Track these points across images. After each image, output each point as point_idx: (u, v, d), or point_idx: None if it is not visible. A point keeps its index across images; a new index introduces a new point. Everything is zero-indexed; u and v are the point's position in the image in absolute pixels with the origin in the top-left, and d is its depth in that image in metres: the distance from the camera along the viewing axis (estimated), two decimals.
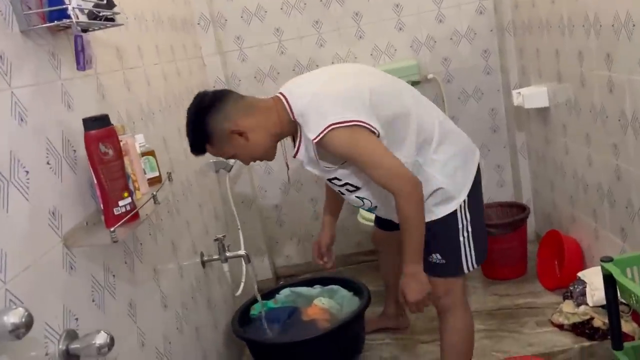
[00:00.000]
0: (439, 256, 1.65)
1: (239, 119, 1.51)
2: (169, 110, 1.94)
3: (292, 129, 1.56)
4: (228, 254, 2.03)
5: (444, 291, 1.69)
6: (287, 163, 1.76)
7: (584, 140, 2.10)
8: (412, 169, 1.55)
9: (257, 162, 1.64)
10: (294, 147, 1.59)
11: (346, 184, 1.62)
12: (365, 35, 2.76)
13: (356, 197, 1.66)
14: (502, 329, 2.19)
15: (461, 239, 1.65)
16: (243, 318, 2.19)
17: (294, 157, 1.61)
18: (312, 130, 1.46)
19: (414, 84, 2.43)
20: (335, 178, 1.61)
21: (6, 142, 0.94)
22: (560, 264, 2.40)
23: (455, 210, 1.63)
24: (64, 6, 1.05)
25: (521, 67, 2.64)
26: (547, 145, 2.49)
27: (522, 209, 2.62)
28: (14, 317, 0.77)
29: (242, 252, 2.05)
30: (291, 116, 1.53)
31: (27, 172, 0.98)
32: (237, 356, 2.29)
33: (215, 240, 2.01)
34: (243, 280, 2.24)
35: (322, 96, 1.50)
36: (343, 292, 2.28)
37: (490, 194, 2.92)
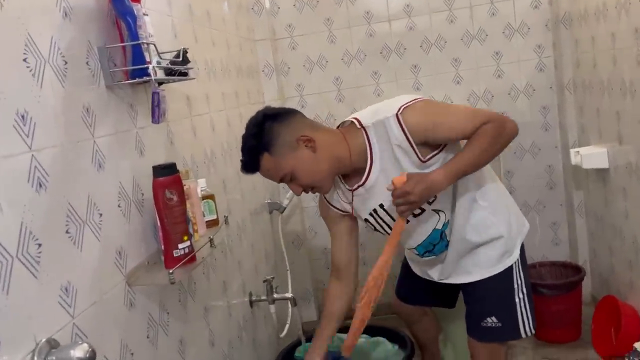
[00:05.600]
0: (494, 319, 1.58)
1: (306, 130, 1.43)
2: (229, 154, 2.04)
3: (359, 159, 1.46)
4: (276, 295, 2.08)
5: (486, 357, 1.63)
6: (352, 206, 1.60)
7: None
8: (469, 206, 1.53)
9: (310, 193, 1.52)
10: (358, 181, 1.50)
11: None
12: (423, 87, 2.81)
13: (433, 210, 1.52)
14: None
15: (517, 300, 1.58)
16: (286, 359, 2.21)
17: (363, 184, 1.49)
18: (389, 111, 1.40)
19: None
20: None
21: (85, 187, 1.04)
22: (617, 331, 2.29)
23: (512, 267, 1.58)
24: (145, 65, 1.16)
25: (580, 126, 2.60)
26: (606, 206, 2.42)
27: (578, 270, 2.54)
28: (79, 352, 0.84)
29: (289, 294, 2.09)
30: (357, 124, 1.45)
31: (101, 214, 1.08)
32: None
33: (264, 281, 2.07)
34: (288, 322, 2.28)
35: (389, 100, 1.50)
36: (387, 346, 2.26)
37: (545, 252, 2.85)
